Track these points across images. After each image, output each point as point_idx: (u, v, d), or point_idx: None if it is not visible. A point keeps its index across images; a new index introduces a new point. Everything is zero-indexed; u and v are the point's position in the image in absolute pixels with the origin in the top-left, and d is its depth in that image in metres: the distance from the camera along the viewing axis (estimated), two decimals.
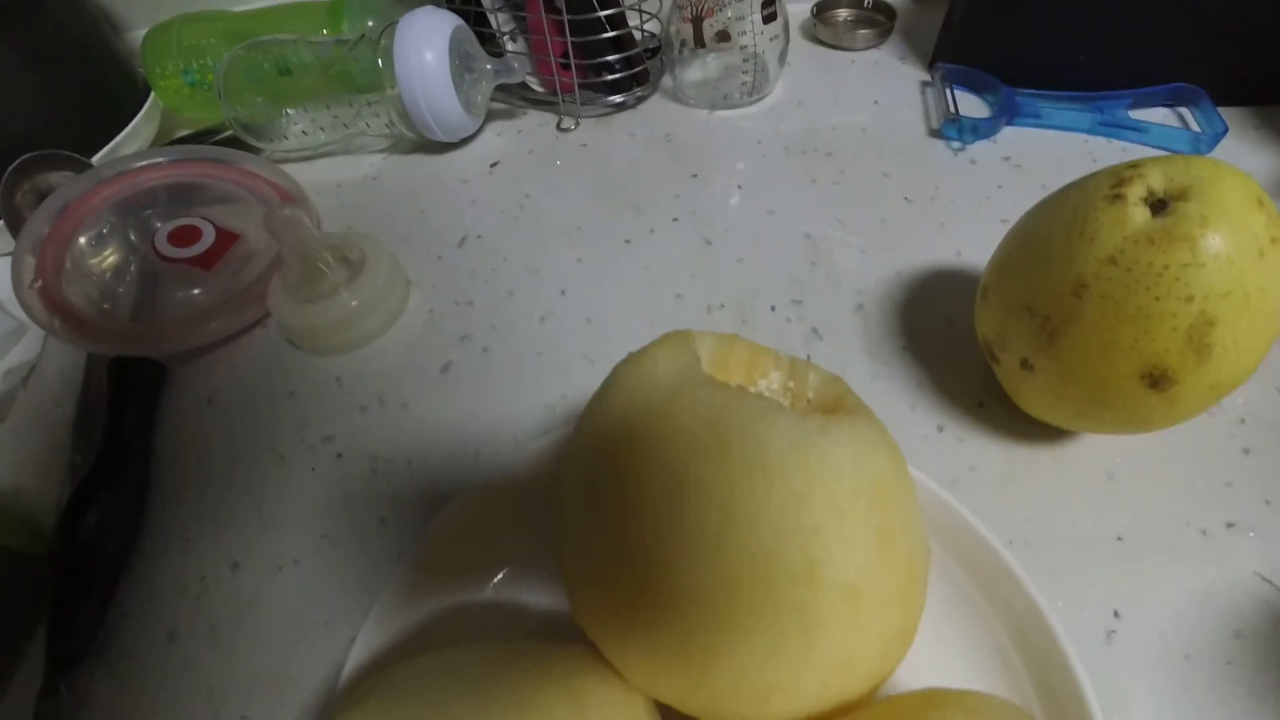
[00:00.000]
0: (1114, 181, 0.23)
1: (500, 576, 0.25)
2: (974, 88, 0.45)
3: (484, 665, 0.18)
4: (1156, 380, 0.22)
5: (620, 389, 0.17)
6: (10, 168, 0.42)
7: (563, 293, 0.37)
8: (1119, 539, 0.27)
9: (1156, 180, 0.22)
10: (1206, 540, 0.26)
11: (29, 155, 0.42)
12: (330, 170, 0.46)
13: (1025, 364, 0.25)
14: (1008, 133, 0.43)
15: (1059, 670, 0.21)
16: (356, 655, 0.22)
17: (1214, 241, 0.20)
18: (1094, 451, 0.29)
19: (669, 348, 0.18)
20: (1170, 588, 0.25)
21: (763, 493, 0.14)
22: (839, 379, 0.19)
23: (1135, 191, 0.22)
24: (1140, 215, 0.22)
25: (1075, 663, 0.20)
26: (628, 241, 0.39)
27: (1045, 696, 0.21)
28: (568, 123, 0.47)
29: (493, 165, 0.45)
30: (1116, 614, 0.25)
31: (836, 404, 0.18)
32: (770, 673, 0.14)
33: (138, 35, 0.50)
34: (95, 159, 0.45)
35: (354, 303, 0.34)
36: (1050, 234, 0.24)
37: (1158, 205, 0.22)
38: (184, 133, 0.51)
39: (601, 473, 0.16)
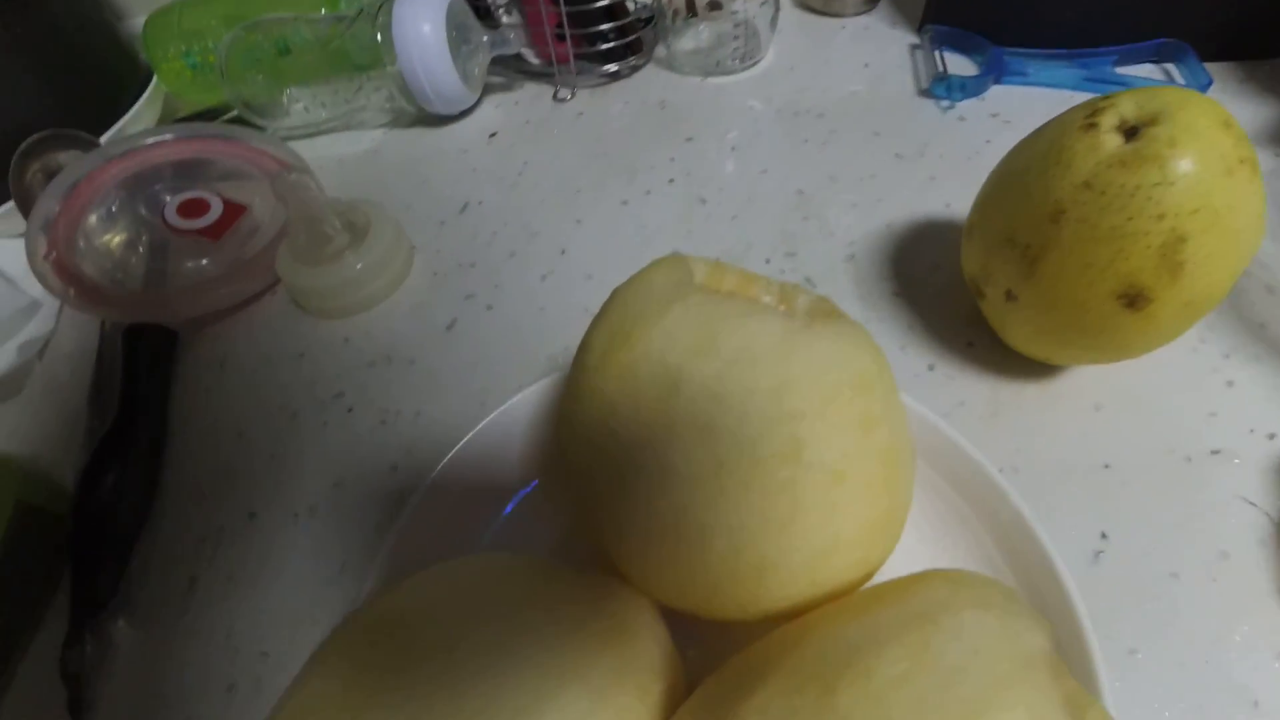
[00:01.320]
0: (1088, 112, 0.24)
1: (512, 505, 0.26)
2: (962, 48, 0.46)
3: (493, 577, 0.19)
4: (1133, 299, 0.23)
5: (618, 302, 0.18)
6: (19, 148, 0.42)
7: (563, 252, 0.38)
8: (1106, 466, 0.27)
9: (1128, 109, 0.23)
10: (1191, 466, 0.27)
11: (38, 135, 0.43)
12: (332, 145, 0.47)
13: (1009, 295, 0.26)
14: (995, 91, 0.43)
15: (1046, 576, 0.22)
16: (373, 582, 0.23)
17: (1182, 161, 0.21)
18: (1081, 385, 0.30)
19: (664, 266, 0.19)
20: (1157, 511, 0.26)
21: (751, 381, 0.15)
22: (825, 298, 0.20)
23: (1108, 120, 0.23)
24: (1113, 142, 0.23)
25: (1060, 565, 0.21)
26: (625, 203, 0.40)
27: (1034, 602, 0.22)
28: (564, 93, 0.48)
29: (491, 135, 0.46)
30: (1104, 535, 0.26)
31: (824, 316, 0.19)
32: (761, 548, 0.15)
33: (139, 21, 0.51)
34: (101, 141, 0.46)
35: (359, 265, 0.35)
36: (1029, 166, 0.25)
37: (1130, 132, 0.23)
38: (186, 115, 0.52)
39: (602, 378, 0.17)
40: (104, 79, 0.49)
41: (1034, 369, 0.30)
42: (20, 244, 0.39)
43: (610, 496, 0.17)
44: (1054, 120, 0.26)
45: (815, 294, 0.20)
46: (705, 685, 0.16)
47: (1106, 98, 0.24)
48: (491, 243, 0.39)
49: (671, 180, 0.41)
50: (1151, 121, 0.23)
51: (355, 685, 0.16)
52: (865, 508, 0.16)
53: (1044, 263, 0.24)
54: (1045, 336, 0.26)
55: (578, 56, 0.47)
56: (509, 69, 0.49)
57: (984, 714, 0.12)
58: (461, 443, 0.26)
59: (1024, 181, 0.25)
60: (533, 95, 0.49)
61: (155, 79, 0.51)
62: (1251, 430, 0.28)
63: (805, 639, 0.14)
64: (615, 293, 0.19)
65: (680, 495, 0.15)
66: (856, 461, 0.16)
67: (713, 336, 0.16)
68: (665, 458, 0.15)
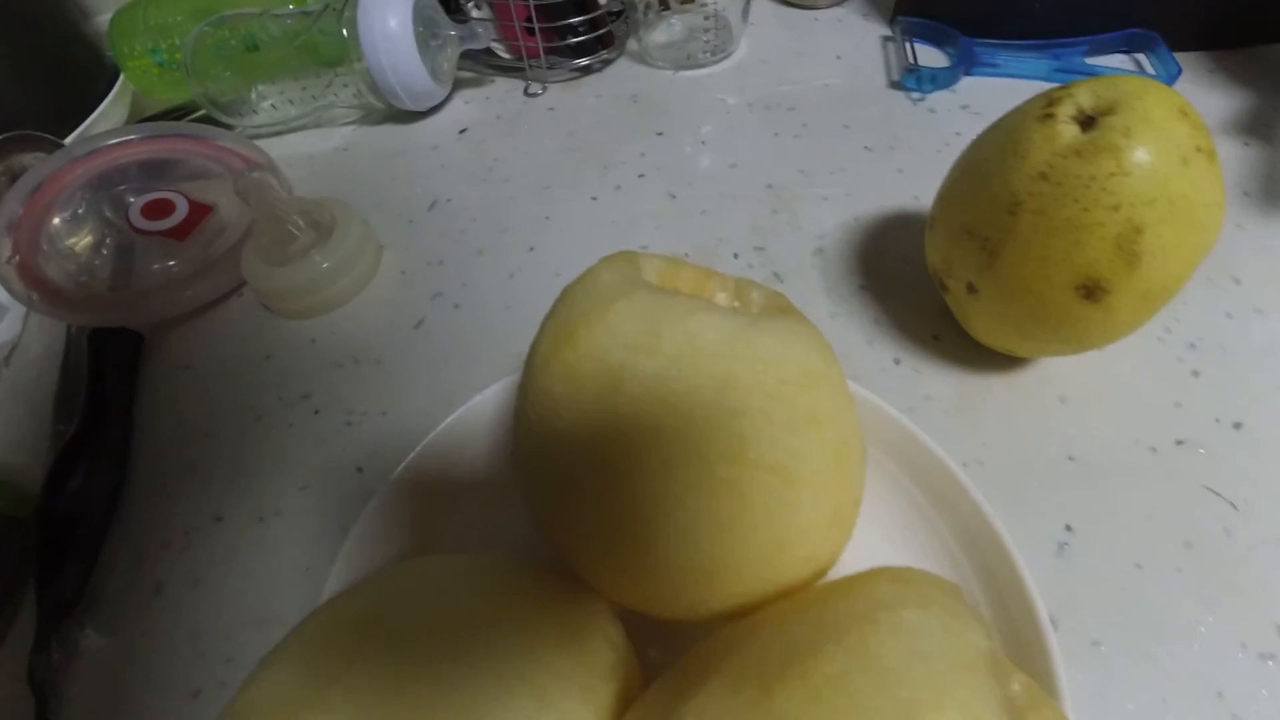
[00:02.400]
0: (1045, 103, 0.24)
1: (475, 504, 0.26)
2: (934, 40, 0.46)
3: (449, 578, 0.19)
4: (1091, 290, 0.23)
5: (565, 301, 0.18)
6: None
7: (531, 249, 0.37)
8: (1070, 458, 0.28)
9: (1085, 99, 0.23)
10: (1156, 457, 0.27)
11: (1, 137, 0.42)
12: (301, 143, 0.47)
13: (970, 288, 0.26)
14: (967, 82, 0.43)
15: (1005, 570, 0.22)
16: (334, 582, 0.23)
17: (1138, 151, 0.21)
18: (1046, 377, 0.30)
19: (611, 263, 0.19)
20: (1121, 502, 0.26)
21: (694, 378, 0.15)
22: (781, 294, 0.20)
23: (1065, 110, 0.23)
24: (1070, 132, 0.23)
25: (1019, 559, 0.21)
26: (594, 198, 0.40)
27: (993, 596, 0.22)
28: (535, 88, 0.47)
29: (461, 131, 0.45)
30: (1069, 528, 0.26)
31: (774, 312, 0.19)
32: (708, 548, 0.15)
33: (105, 19, 0.51)
34: (66, 141, 0.45)
35: (325, 264, 0.35)
36: (987, 157, 0.25)
37: (1087, 122, 0.23)
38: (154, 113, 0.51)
39: (548, 377, 0.17)
40: (70, 77, 0.49)
41: (999, 361, 0.30)
42: None
43: (560, 498, 0.17)
44: (1013, 111, 0.26)
45: (770, 290, 0.20)
46: (655, 686, 0.16)
47: (1065, 87, 0.24)
48: (460, 240, 0.38)
49: (642, 175, 0.40)
50: (1108, 111, 0.23)
51: (306, 684, 0.15)
52: (813, 505, 0.16)
53: (1003, 255, 0.24)
54: (1007, 329, 0.26)
55: (548, 50, 0.46)
56: (479, 64, 0.49)
57: (918, 714, 0.12)
58: (423, 443, 0.26)
59: (983, 173, 0.25)
60: (503, 90, 0.48)
61: (122, 77, 0.50)
62: (1217, 420, 0.28)
63: (748, 639, 0.14)
64: (565, 291, 0.19)
65: (627, 496, 0.15)
66: (803, 459, 0.15)
67: (655, 333, 0.15)
68: (611, 458, 0.15)
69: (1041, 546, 0.25)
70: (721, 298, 0.20)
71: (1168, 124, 0.22)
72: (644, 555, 0.16)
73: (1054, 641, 0.20)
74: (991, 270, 0.25)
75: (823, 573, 0.18)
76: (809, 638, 0.13)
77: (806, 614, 0.14)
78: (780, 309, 0.18)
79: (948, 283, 0.27)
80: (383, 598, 0.18)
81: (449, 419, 0.26)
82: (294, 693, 0.15)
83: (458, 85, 0.48)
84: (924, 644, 0.13)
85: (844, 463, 0.17)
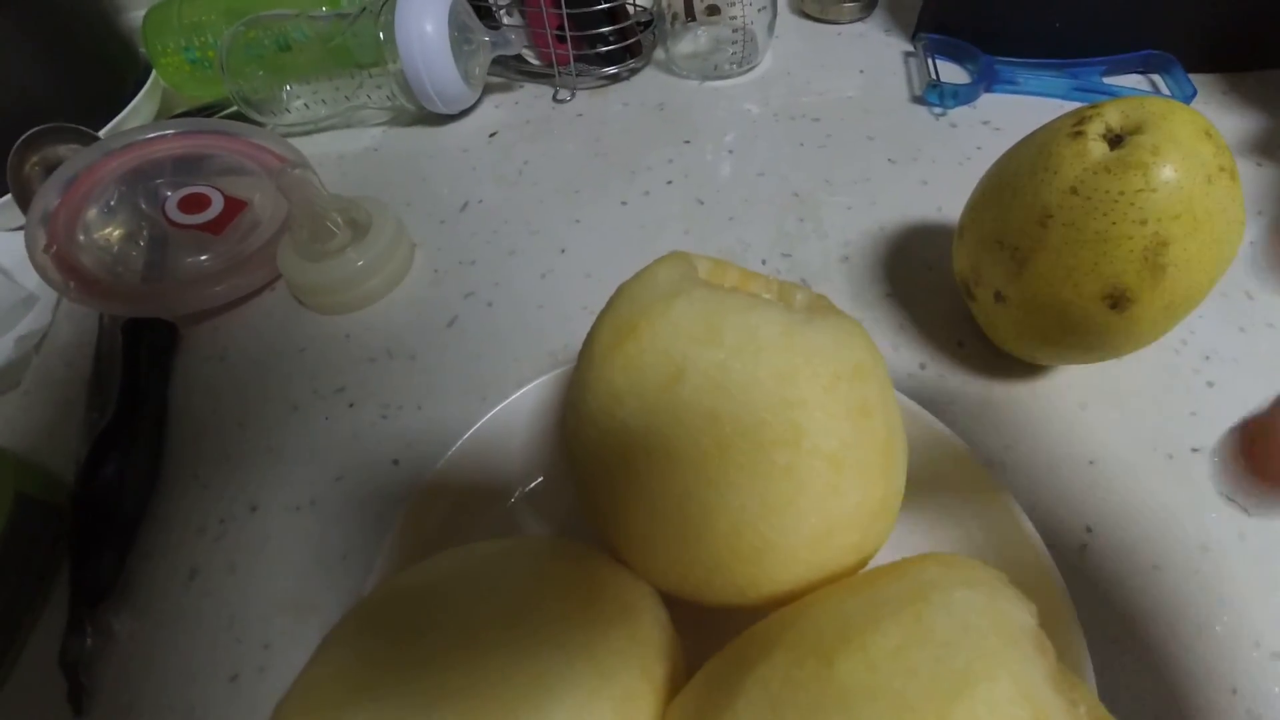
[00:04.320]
0: (1075, 121, 0.25)
1: (514, 497, 0.27)
2: (955, 57, 0.47)
3: (506, 557, 0.19)
4: (1116, 300, 0.24)
5: (624, 297, 0.19)
6: (18, 141, 0.43)
7: (562, 251, 0.38)
8: (1091, 462, 0.28)
9: (1114, 118, 0.24)
10: (1173, 463, 0.28)
11: (37, 129, 0.43)
12: (331, 143, 0.48)
13: (998, 296, 0.27)
14: (987, 99, 0.44)
15: (1034, 567, 0.22)
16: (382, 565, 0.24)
17: (1165, 168, 0.22)
18: (1066, 385, 0.31)
19: (668, 262, 0.19)
20: (1140, 506, 0.27)
21: (754, 370, 0.16)
22: (823, 296, 0.21)
23: (1094, 128, 0.24)
24: (1099, 149, 0.24)
25: (1047, 556, 0.22)
26: (624, 203, 0.40)
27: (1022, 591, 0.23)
28: (563, 94, 0.48)
29: (491, 135, 0.46)
30: (1089, 529, 0.27)
31: (822, 311, 0.20)
32: (762, 531, 0.16)
33: (138, 15, 0.51)
34: (100, 135, 0.46)
35: (360, 262, 0.36)
36: (1018, 171, 0.26)
37: (1115, 140, 0.24)
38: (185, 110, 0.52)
39: (609, 368, 0.18)
40: (103, 73, 0.49)
41: (1022, 369, 0.31)
42: (17, 237, 0.39)
43: (616, 481, 0.18)
44: (1043, 127, 0.26)
45: (812, 292, 0.21)
46: (708, 665, 0.17)
47: (1093, 106, 0.25)
48: (491, 241, 0.39)
49: (670, 181, 0.41)
50: (1136, 130, 0.24)
51: (369, 660, 0.16)
52: (861, 493, 0.17)
53: (1032, 264, 0.25)
54: (1032, 336, 0.27)
55: (577, 58, 0.47)
56: (509, 69, 0.50)
57: (974, 684, 0.12)
58: (468, 434, 0.26)
59: (1014, 185, 0.26)
60: (533, 96, 0.49)
61: (154, 73, 0.51)
62: (1231, 429, 0.29)
63: (804, 617, 0.15)
64: (621, 288, 0.20)
65: (685, 478, 0.16)
66: (854, 448, 0.16)
67: (716, 328, 0.16)
68: (670, 443, 0.16)
69: (1064, 547, 0.26)
70: (767, 297, 0.21)
71: (1193, 144, 0.23)
72: (700, 535, 0.16)
73: (1081, 634, 0.21)
74: (1020, 279, 0.25)
75: (865, 561, 0.18)
76: (865, 615, 0.14)
77: (860, 594, 0.15)
78: (825, 308, 0.19)
79: (975, 290, 0.28)
80: (441, 576, 0.18)
81: (492, 413, 0.27)
82: (363, 669, 0.16)
83: (487, 90, 0.49)
84: (975, 619, 0.13)
85: (890, 454, 0.18)
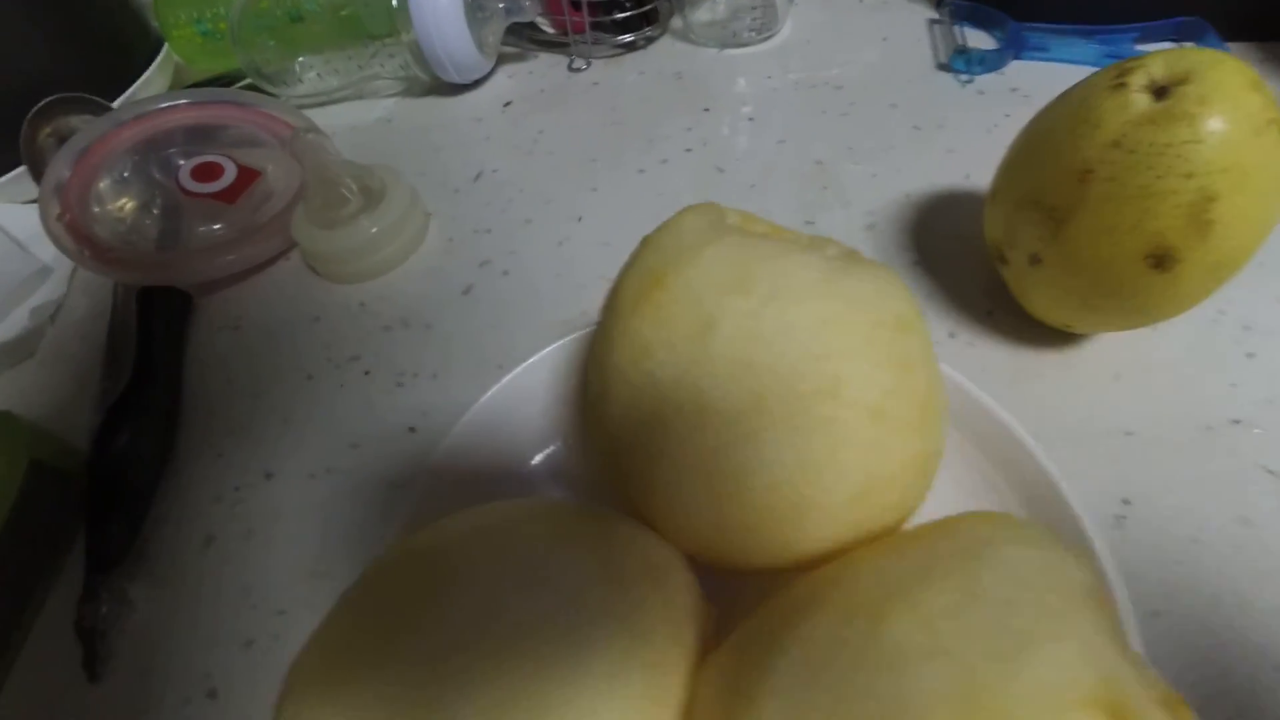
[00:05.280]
0: (1117, 73, 0.24)
1: (532, 463, 0.26)
2: (981, 23, 0.46)
3: (522, 514, 0.19)
4: (1160, 260, 0.23)
5: (650, 247, 0.18)
6: (31, 111, 0.42)
7: (579, 219, 0.38)
8: (1128, 433, 0.27)
9: (1158, 69, 0.23)
10: (1212, 435, 0.27)
11: (50, 99, 0.43)
12: (344, 114, 0.47)
13: (1033, 259, 0.26)
14: (1015, 65, 0.43)
15: (1073, 535, 0.21)
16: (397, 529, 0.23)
17: (1212, 119, 0.21)
18: (1100, 354, 0.30)
19: (696, 211, 0.19)
20: (1178, 478, 0.26)
21: (790, 317, 0.15)
22: (857, 250, 0.20)
23: (1137, 80, 0.23)
24: (1142, 101, 0.23)
25: (1087, 524, 0.21)
26: (641, 171, 0.40)
27: None
28: (579, 63, 0.47)
29: (505, 105, 0.46)
30: (1126, 501, 0.26)
31: (857, 261, 0.19)
32: (800, 488, 0.15)
33: None
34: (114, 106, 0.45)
35: (374, 229, 0.35)
36: (1055, 127, 0.25)
37: (1159, 92, 0.23)
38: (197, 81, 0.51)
39: (636, 319, 0.17)
40: (115, 46, 0.49)
41: (1054, 337, 0.30)
42: (32, 209, 0.38)
43: (644, 439, 0.17)
44: (1081, 82, 0.25)
45: (844, 245, 0.20)
46: (741, 628, 0.16)
47: (1135, 59, 0.24)
48: (507, 210, 0.39)
49: (688, 150, 0.41)
50: (1181, 81, 0.22)
51: (382, 622, 0.16)
52: (903, 448, 0.16)
53: (1071, 224, 0.24)
54: (1069, 301, 0.26)
55: (593, 26, 0.46)
56: (523, 39, 0.49)
57: (1037, 645, 0.12)
58: (483, 398, 0.26)
59: (1051, 142, 0.25)
60: (547, 65, 0.48)
61: (166, 47, 0.51)
62: (1271, 401, 0.28)
63: (848, 575, 0.14)
64: (646, 240, 0.19)
65: (717, 433, 0.15)
66: (896, 401, 0.15)
67: (749, 275, 0.15)
68: (702, 396, 0.15)
69: (1100, 519, 0.25)
70: (802, 245, 0.20)
71: (1241, 95, 0.22)
72: (732, 496, 0.16)
73: (1128, 603, 0.20)
74: (1058, 240, 0.25)
75: (904, 521, 0.18)
76: (914, 573, 0.13)
77: (906, 552, 0.14)
78: (862, 259, 0.18)
79: (1008, 254, 0.27)
80: (460, 534, 0.18)
81: (508, 377, 0.26)
82: (384, 619, 0.15)
83: (501, 60, 0.48)
84: (1034, 578, 0.13)
85: (930, 411, 0.17)
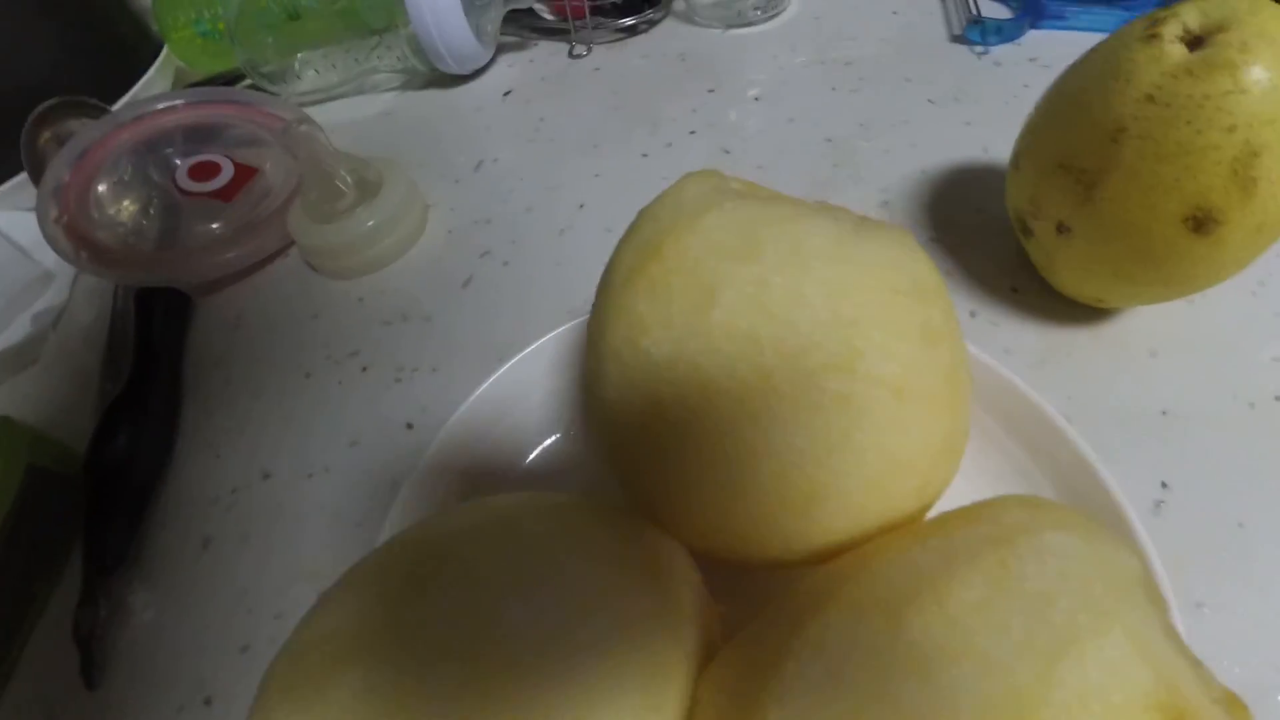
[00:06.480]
0: (1148, 24, 0.22)
1: (531, 456, 0.25)
2: None
3: (518, 513, 0.18)
4: (1201, 222, 0.21)
5: (646, 218, 0.17)
6: (31, 116, 0.42)
7: (581, 206, 0.36)
8: (1164, 413, 0.26)
9: (1192, 18, 0.21)
10: (1255, 413, 0.26)
11: (49, 103, 0.42)
12: (344, 110, 0.46)
13: (1061, 228, 0.24)
14: (1033, 35, 0.41)
15: (1112, 522, 0.20)
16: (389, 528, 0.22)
17: (1255, 67, 0.20)
18: (1133, 330, 0.28)
19: (697, 177, 0.17)
20: (1220, 459, 0.25)
21: (800, 286, 0.14)
22: (868, 216, 0.18)
23: (1171, 30, 0.21)
24: (1177, 51, 0.21)
25: (1129, 509, 0.20)
26: (645, 155, 0.38)
27: None
28: (579, 49, 0.46)
29: (506, 94, 0.44)
30: (1164, 485, 0.24)
31: (872, 223, 0.17)
32: (813, 473, 0.14)
33: None
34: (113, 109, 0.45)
35: (371, 222, 0.34)
36: (1084, 85, 0.23)
37: (1194, 42, 0.21)
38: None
39: (630, 295, 0.15)
40: (115, 50, 0.49)
41: (1083, 314, 0.28)
42: (32, 216, 0.38)
43: (642, 424, 0.16)
44: (1110, 37, 0.24)
45: (854, 213, 0.19)
46: (746, 630, 0.15)
47: (1167, 8, 0.22)
48: (508, 199, 0.38)
49: (693, 132, 0.39)
50: (1219, 29, 0.21)
51: (364, 622, 0.15)
52: (926, 428, 0.14)
53: (1102, 187, 0.22)
54: (1100, 271, 0.25)
55: (593, 10, 0.45)
56: (522, 27, 0.48)
57: (1079, 641, 0.10)
58: (480, 389, 0.25)
59: (1079, 101, 0.23)
60: (547, 53, 0.47)
61: (165, 49, 0.50)
62: None
63: (864, 569, 0.13)
64: (643, 211, 0.18)
65: (722, 414, 0.14)
66: (918, 376, 0.14)
67: (754, 240, 0.14)
68: (703, 374, 0.14)
69: (1138, 504, 0.24)
70: (811, 207, 0.19)
71: None
72: (739, 483, 0.14)
73: (1172, 595, 0.18)
74: (1089, 205, 0.23)
75: (927, 509, 0.16)
76: (937, 564, 0.12)
77: (929, 541, 0.13)
78: (876, 222, 0.17)
79: (1033, 225, 0.26)
80: (452, 530, 0.17)
81: (505, 367, 0.25)
82: (381, 609, 0.14)
83: (500, 49, 0.47)
84: (1074, 566, 0.11)
85: (955, 385, 0.15)
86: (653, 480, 0.16)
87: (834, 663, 0.11)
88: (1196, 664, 0.11)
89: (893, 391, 0.14)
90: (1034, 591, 0.11)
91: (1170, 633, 0.11)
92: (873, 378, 0.14)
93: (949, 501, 0.18)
